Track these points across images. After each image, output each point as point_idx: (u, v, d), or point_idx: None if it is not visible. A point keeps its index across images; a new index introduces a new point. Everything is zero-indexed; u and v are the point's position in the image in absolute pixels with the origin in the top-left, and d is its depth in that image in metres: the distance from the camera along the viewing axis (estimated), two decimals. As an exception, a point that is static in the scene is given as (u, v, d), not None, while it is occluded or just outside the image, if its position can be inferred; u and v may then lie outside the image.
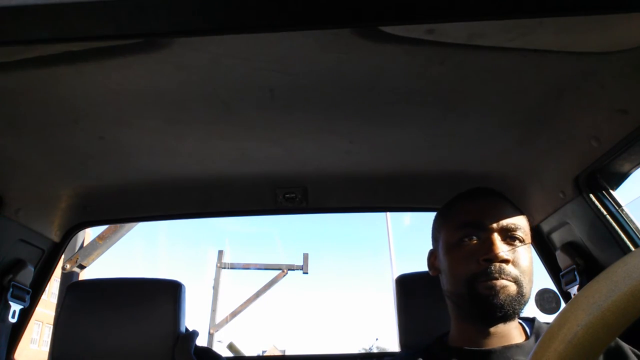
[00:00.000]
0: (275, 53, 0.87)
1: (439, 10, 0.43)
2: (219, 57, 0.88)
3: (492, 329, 0.87)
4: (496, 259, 0.84)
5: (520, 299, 0.84)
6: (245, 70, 0.92)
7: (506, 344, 0.87)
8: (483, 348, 0.87)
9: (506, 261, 0.84)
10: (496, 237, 0.87)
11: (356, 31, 0.81)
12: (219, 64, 0.90)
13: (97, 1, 0.41)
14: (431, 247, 1.03)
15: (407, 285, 1.26)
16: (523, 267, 0.86)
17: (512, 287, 0.83)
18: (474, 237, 0.89)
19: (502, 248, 0.86)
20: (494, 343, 0.87)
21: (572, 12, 0.44)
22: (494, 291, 0.82)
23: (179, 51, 0.86)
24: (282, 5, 0.43)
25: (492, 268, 0.84)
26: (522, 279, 0.85)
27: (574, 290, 1.27)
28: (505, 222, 0.88)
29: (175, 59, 0.88)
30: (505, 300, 0.82)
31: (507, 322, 0.87)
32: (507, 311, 0.83)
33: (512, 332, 0.88)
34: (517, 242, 0.88)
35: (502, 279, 0.83)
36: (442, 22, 0.45)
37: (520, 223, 0.90)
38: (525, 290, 0.85)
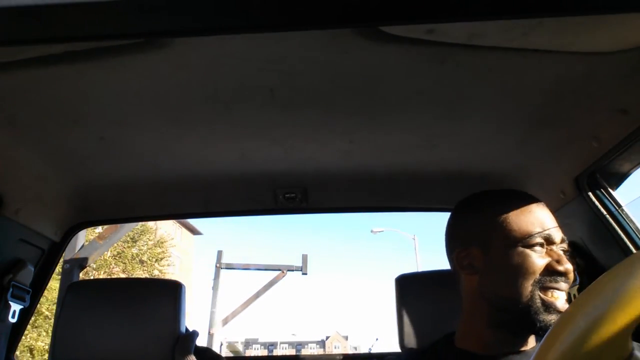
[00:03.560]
0: (275, 53, 0.87)
1: (439, 10, 0.43)
2: (219, 57, 0.88)
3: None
4: (567, 273, 0.84)
5: None
6: (245, 70, 0.92)
7: (515, 349, 0.87)
8: (488, 353, 0.87)
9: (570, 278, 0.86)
10: (561, 252, 0.87)
11: (356, 31, 0.81)
12: (219, 64, 0.90)
13: (97, 1, 0.41)
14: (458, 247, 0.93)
15: (406, 286, 1.26)
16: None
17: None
18: (543, 248, 0.86)
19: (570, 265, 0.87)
20: (503, 348, 0.87)
21: (572, 12, 0.44)
22: (553, 311, 0.82)
23: (179, 51, 0.86)
24: (282, 5, 0.43)
25: (560, 280, 0.84)
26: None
27: (573, 290, 1.27)
28: (565, 240, 0.89)
29: (175, 59, 0.88)
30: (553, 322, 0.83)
31: None
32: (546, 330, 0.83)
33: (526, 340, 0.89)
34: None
35: (563, 300, 0.84)
36: (442, 22, 0.45)
37: None
38: None
